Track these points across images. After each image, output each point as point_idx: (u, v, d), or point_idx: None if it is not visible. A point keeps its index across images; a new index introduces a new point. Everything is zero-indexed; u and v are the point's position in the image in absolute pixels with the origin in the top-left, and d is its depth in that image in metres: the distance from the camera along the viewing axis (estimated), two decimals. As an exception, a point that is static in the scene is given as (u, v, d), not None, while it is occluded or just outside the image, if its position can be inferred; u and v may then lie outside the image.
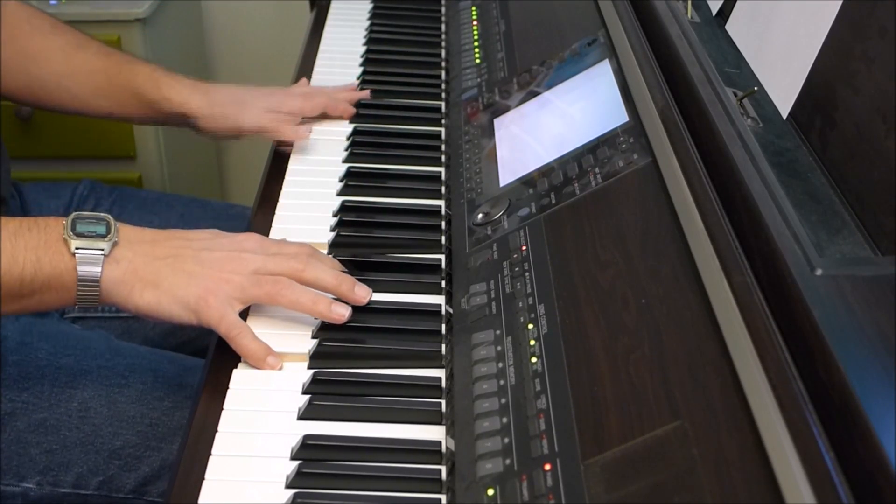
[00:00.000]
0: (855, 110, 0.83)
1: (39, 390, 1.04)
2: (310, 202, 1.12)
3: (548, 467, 0.68)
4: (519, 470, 0.70)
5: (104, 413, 1.04)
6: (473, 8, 1.47)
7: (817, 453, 0.56)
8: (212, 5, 2.29)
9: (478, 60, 1.32)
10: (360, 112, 1.29)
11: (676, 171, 0.84)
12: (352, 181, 1.15)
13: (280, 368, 0.87)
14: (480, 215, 1.00)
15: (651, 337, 0.73)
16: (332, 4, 1.63)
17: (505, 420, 0.74)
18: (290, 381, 0.86)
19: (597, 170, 0.93)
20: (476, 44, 1.37)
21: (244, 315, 0.91)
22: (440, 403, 0.83)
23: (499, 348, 0.81)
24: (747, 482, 0.59)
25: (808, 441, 0.57)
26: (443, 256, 1.02)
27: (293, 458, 0.78)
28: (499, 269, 0.90)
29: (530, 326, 0.81)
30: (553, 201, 0.94)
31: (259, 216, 1.10)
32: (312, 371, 0.86)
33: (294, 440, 0.79)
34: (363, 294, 0.93)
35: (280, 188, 1.14)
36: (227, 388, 0.85)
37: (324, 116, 1.28)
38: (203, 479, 0.76)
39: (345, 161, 1.19)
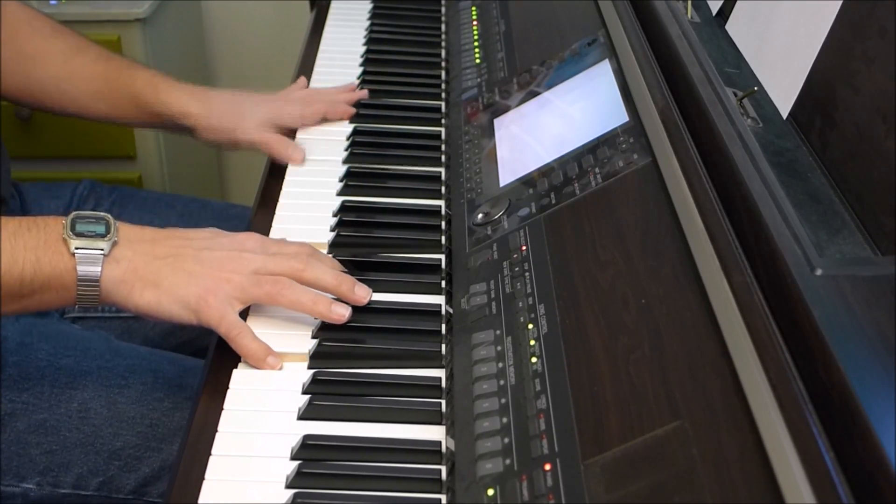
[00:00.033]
0: (855, 110, 0.83)
1: (39, 391, 1.04)
2: (310, 202, 1.12)
3: (548, 467, 0.68)
4: (519, 470, 0.70)
5: (104, 414, 1.04)
6: (473, 8, 1.47)
7: (817, 453, 0.56)
8: (212, 5, 2.29)
9: (478, 60, 1.32)
10: (360, 112, 1.29)
11: (676, 171, 0.84)
12: (352, 181, 1.15)
13: (280, 368, 0.87)
14: (480, 215, 1.00)
15: (651, 337, 0.73)
16: (332, 4, 1.62)
17: (505, 420, 0.74)
18: (290, 381, 0.86)
19: (597, 170, 0.93)
20: (476, 44, 1.37)
21: (244, 315, 0.91)
22: (440, 403, 0.83)
23: (499, 348, 0.81)
24: (747, 482, 0.59)
25: (808, 441, 0.57)
26: (443, 256, 1.02)
27: (293, 458, 0.78)
28: (499, 269, 0.90)
29: (530, 326, 0.81)
30: (553, 201, 0.94)
31: (259, 216, 1.10)
32: (312, 371, 0.86)
33: (294, 440, 0.79)
34: (363, 294, 0.93)
35: (280, 188, 1.14)
36: (227, 388, 0.85)
37: (323, 120, 1.28)
38: (203, 478, 0.76)
39: (345, 161, 1.19)
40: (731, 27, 1.08)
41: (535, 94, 1.14)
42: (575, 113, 1.06)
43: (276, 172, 1.19)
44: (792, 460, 0.57)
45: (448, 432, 0.79)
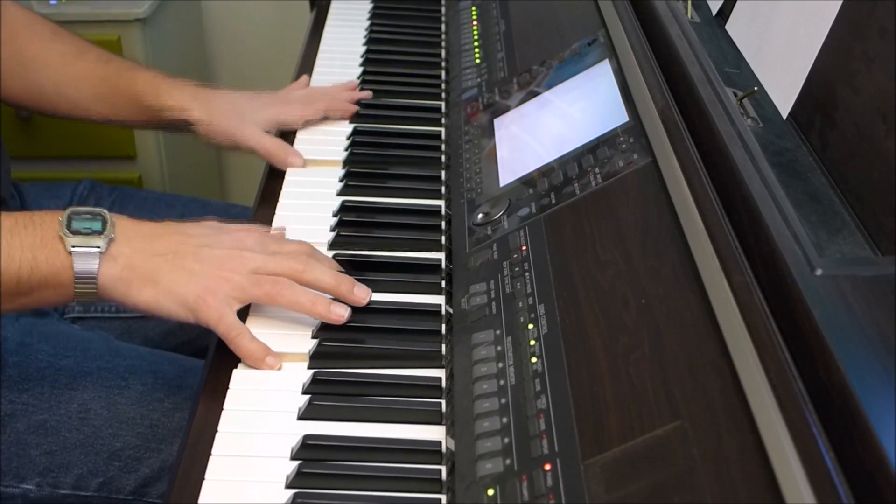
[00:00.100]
0: (855, 110, 0.83)
1: (39, 392, 1.04)
2: (310, 202, 1.12)
3: (548, 467, 0.68)
4: (519, 470, 0.70)
5: (104, 414, 1.04)
6: (473, 8, 1.47)
7: (817, 453, 0.56)
8: (212, 5, 2.29)
9: (478, 60, 1.32)
10: (360, 112, 1.29)
11: (676, 171, 0.84)
12: (352, 181, 1.15)
13: (279, 368, 0.87)
14: (480, 215, 0.99)
15: (651, 337, 0.72)
16: (332, 4, 1.62)
17: (505, 420, 0.74)
18: (290, 381, 0.86)
19: (597, 170, 0.93)
20: (476, 44, 1.37)
21: (244, 313, 0.91)
22: (440, 403, 0.83)
23: (499, 348, 0.81)
24: (747, 482, 0.59)
25: (808, 441, 0.57)
26: (443, 256, 1.02)
27: (293, 458, 0.78)
28: (499, 269, 0.90)
29: (530, 326, 0.81)
30: (553, 201, 0.94)
31: (259, 216, 1.10)
32: (312, 371, 0.86)
33: (294, 440, 0.79)
34: (362, 295, 0.93)
35: (280, 188, 1.14)
36: (227, 388, 0.85)
37: (325, 118, 1.28)
38: (203, 479, 0.76)
39: (345, 161, 1.19)
40: (731, 27, 1.08)
41: (535, 94, 1.14)
42: (575, 113, 1.06)
43: (276, 172, 1.19)
44: (792, 460, 0.56)
45: (448, 432, 0.79)
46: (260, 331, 0.90)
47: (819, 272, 0.66)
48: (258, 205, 1.13)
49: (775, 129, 0.91)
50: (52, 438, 1.02)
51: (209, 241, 0.92)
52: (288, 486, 0.76)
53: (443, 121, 1.28)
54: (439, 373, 0.87)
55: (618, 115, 0.99)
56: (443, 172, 1.17)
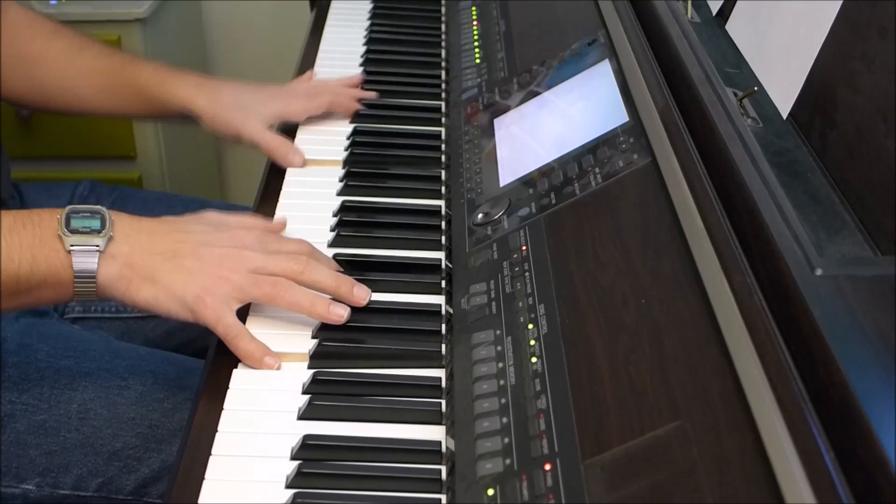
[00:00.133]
0: (855, 110, 0.83)
1: (39, 392, 1.04)
2: (310, 202, 1.12)
3: (548, 467, 0.68)
4: (519, 470, 0.70)
5: (104, 415, 1.04)
6: (473, 8, 1.47)
7: (817, 453, 0.56)
8: (212, 5, 2.29)
9: (478, 60, 1.32)
10: (361, 112, 1.29)
11: (676, 171, 0.84)
12: (352, 181, 1.15)
13: (278, 368, 0.87)
14: (480, 215, 0.99)
15: (651, 337, 0.72)
16: (332, 4, 1.62)
17: (505, 420, 0.74)
18: (290, 381, 0.86)
19: (597, 170, 0.93)
20: (476, 44, 1.37)
21: (244, 313, 0.91)
22: (440, 403, 0.83)
23: (499, 348, 0.81)
24: (747, 482, 0.59)
25: (808, 441, 0.57)
26: (443, 256, 1.02)
27: (293, 458, 0.78)
28: (499, 269, 0.90)
29: (530, 326, 0.81)
30: (553, 201, 0.94)
31: (259, 214, 1.10)
32: (312, 371, 0.86)
33: (294, 440, 0.79)
34: (362, 295, 0.92)
35: (280, 187, 1.14)
36: (227, 388, 0.85)
37: (328, 113, 1.28)
38: (203, 478, 0.76)
39: (345, 161, 1.19)
40: (731, 27, 1.08)
41: (535, 94, 1.14)
42: (575, 113, 1.06)
43: (276, 172, 1.19)
44: (792, 460, 0.56)
45: (448, 432, 0.79)
46: (260, 331, 0.90)
47: (819, 272, 0.66)
48: (258, 204, 1.13)
49: (775, 129, 0.91)
50: (52, 439, 1.02)
51: (208, 238, 0.92)
52: (288, 486, 0.76)
53: (443, 121, 1.28)
54: (439, 373, 0.87)
55: (618, 115, 0.99)
56: (443, 172, 1.17)
